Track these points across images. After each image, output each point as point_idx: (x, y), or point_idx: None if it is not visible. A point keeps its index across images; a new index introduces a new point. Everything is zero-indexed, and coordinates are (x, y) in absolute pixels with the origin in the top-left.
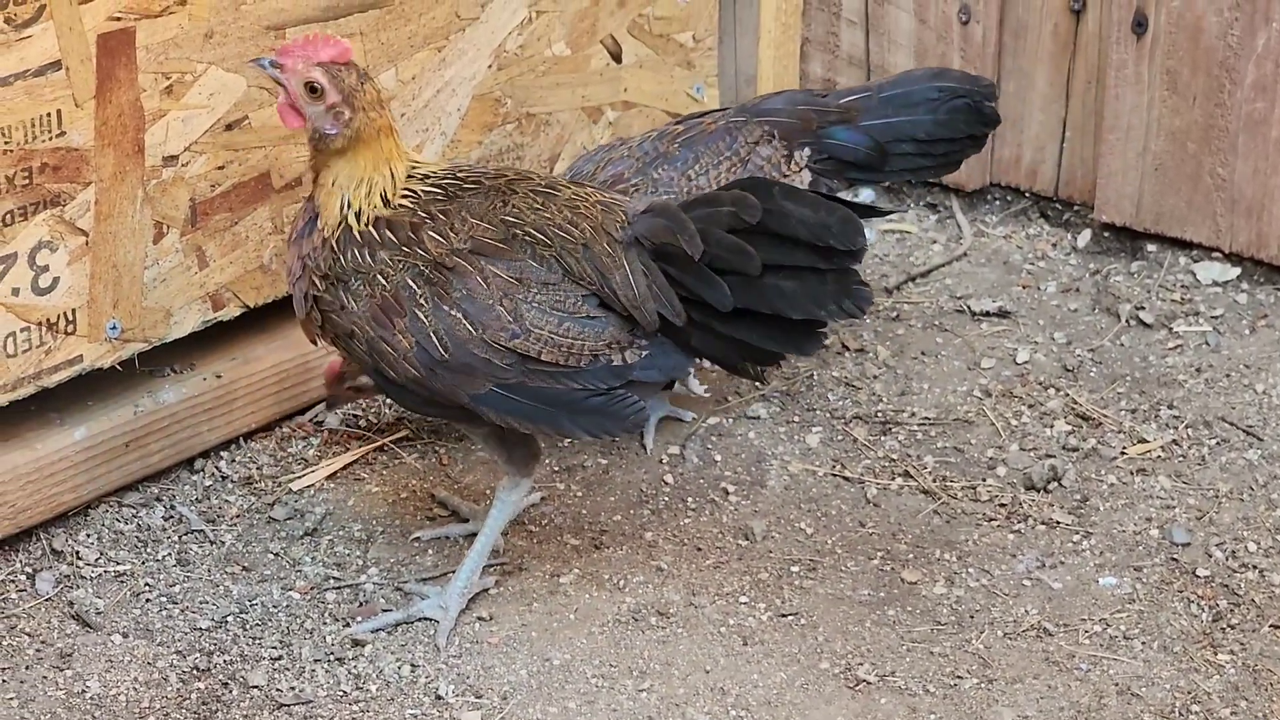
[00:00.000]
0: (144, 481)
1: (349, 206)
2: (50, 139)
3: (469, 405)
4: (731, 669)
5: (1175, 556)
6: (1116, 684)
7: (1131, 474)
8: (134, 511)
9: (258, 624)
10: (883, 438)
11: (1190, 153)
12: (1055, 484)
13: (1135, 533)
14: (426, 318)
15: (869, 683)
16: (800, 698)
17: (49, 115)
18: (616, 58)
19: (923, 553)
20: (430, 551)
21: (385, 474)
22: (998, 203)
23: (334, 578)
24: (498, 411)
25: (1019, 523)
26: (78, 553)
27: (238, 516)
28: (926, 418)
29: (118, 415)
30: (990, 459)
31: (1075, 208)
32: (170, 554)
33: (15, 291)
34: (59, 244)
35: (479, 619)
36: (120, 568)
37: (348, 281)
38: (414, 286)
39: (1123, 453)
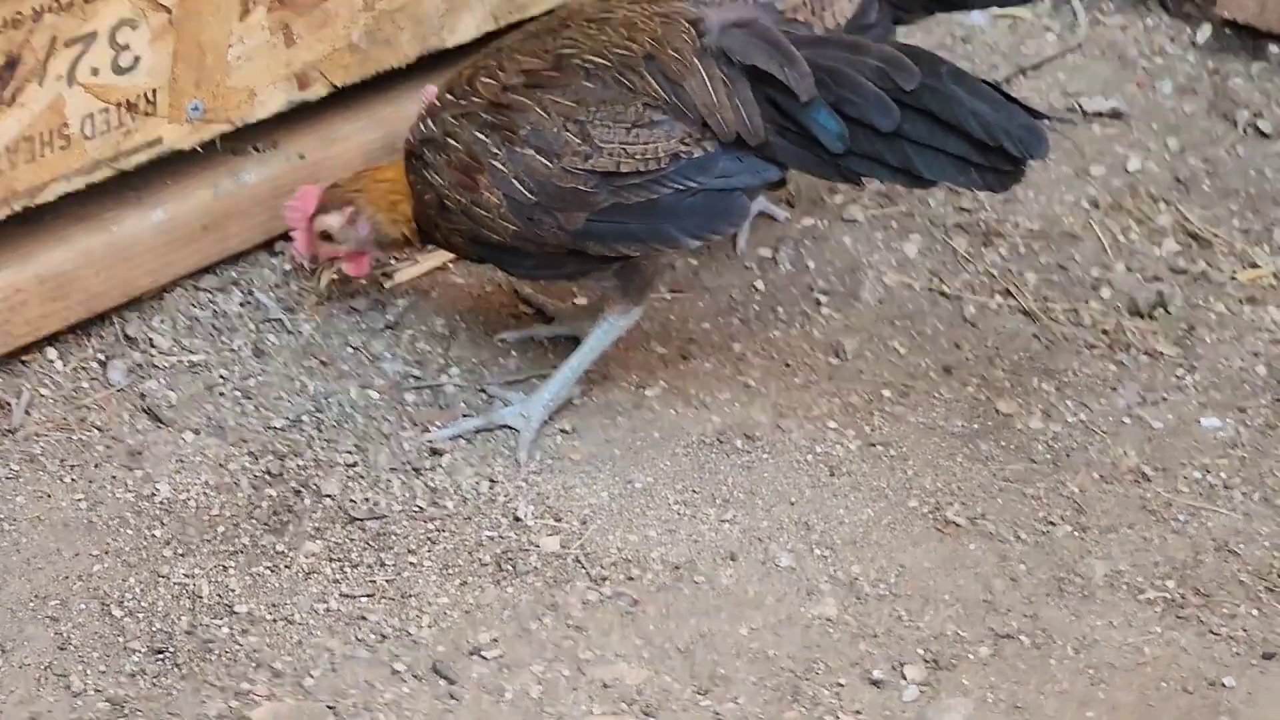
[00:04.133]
0: (221, 264)
1: None
2: None
3: (575, 245)
4: (817, 502)
5: None
6: (1214, 539)
7: (1240, 302)
8: (210, 296)
9: (333, 425)
10: (984, 249)
11: None
12: (1161, 310)
13: (1241, 369)
14: (503, 165)
15: (958, 525)
16: (886, 537)
17: None
18: None
19: (1020, 381)
20: (514, 353)
21: (471, 264)
22: None
23: (414, 376)
24: (603, 240)
25: (1121, 352)
26: (151, 340)
27: (317, 305)
28: (1030, 229)
29: (197, 196)
30: (1095, 279)
31: (1196, 0)
32: (246, 344)
33: (94, 71)
34: (140, 21)
35: (561, 431)
36: (194, 357)
37: (424, 156)
38: (482, 138)
39: (1233, 278)
